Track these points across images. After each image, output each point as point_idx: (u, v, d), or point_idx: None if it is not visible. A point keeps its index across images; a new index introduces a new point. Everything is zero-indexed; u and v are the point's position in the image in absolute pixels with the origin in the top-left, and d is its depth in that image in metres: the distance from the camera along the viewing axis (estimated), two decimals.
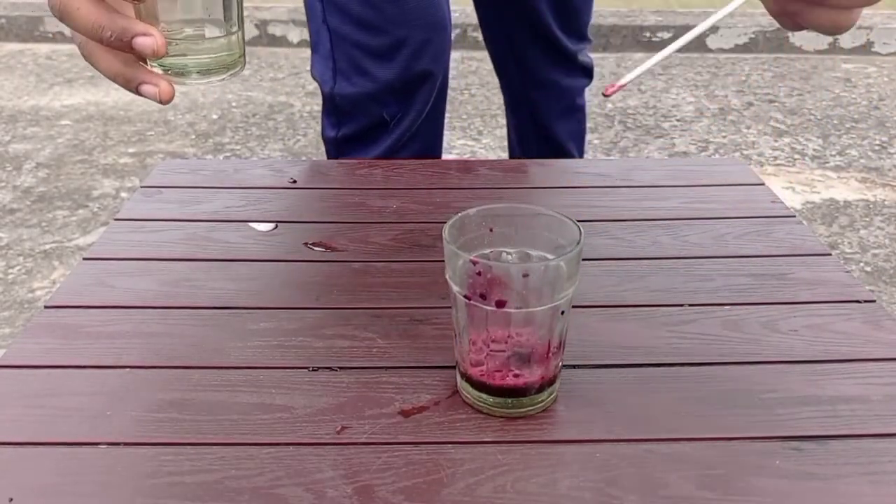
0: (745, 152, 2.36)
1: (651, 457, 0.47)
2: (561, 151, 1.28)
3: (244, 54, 0.52)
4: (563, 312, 0.49)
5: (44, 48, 3.44)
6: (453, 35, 1.05)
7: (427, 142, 1.09)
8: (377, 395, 0.52)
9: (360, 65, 0.97)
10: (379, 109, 0.99)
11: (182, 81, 0.50)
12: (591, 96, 1.30)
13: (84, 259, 0.69)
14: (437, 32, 1.00)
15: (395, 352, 0.57)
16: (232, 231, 0.74)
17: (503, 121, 2.13)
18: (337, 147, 1.05)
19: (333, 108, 1.01)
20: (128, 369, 0.55)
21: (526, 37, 1.20)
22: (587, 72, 1.28)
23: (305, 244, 0.72)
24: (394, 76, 0.97)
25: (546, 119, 1.26)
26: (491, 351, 0.49)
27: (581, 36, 1.24)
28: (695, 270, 0.68)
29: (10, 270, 1.71)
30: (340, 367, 0.55)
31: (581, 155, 1.34)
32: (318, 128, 2.47)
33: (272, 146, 2.32)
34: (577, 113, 1.29)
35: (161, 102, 0.49)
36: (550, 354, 0.49)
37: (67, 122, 2.59)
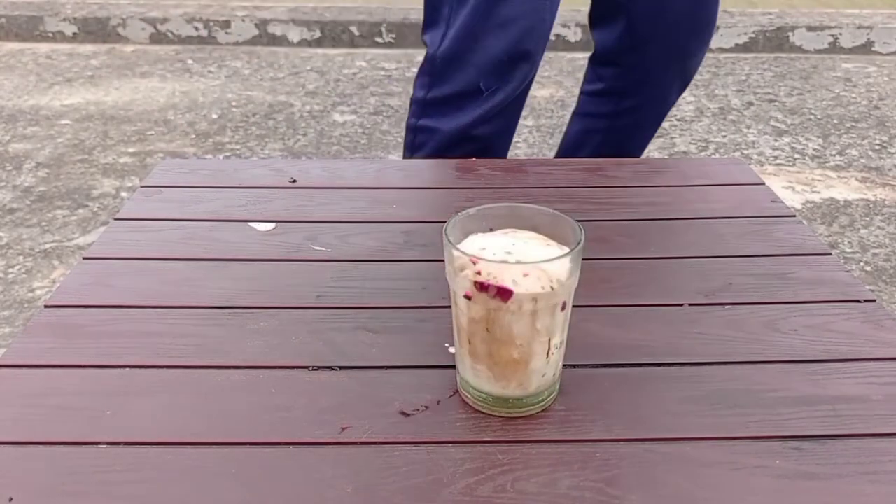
0: (745, 152, 2.36)
1: (651, 457, 0.47)
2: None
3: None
4: (563, 312, 0.49)
5: (44, 48, 3.44)
6: None
7: (509, 121, 1.12)
8: (377, 395, 0.52)
9: (474, 32, 1.01)
10: (477, 78, 1.03)
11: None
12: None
13: (84, 259, 0.69)
14: (542, 19, 1.03)
15: (395, 352, 0.57)
16: (232, 231, 0.74)
17: None
18: (423, 108, 1.07)
19: (431, 69, 1.05)
20: (128, 369, 0.55)
21: (671, 57, 1.17)
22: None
23: (305, 244, 0.72)
24: (502, 50, 1.01)
25: (640, 135, 1.25)
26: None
27: (706, 49, 1.21)
28: (695, 270, 0.68)
29: (10, 270, 1.71)
30: (340, 367, 0.55)
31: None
32: (318, 127, 2.47)
33: (272, 146, 2.32)
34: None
35: None
36: (550, 354, 0.49)
37: (67, 122, 2.59)
